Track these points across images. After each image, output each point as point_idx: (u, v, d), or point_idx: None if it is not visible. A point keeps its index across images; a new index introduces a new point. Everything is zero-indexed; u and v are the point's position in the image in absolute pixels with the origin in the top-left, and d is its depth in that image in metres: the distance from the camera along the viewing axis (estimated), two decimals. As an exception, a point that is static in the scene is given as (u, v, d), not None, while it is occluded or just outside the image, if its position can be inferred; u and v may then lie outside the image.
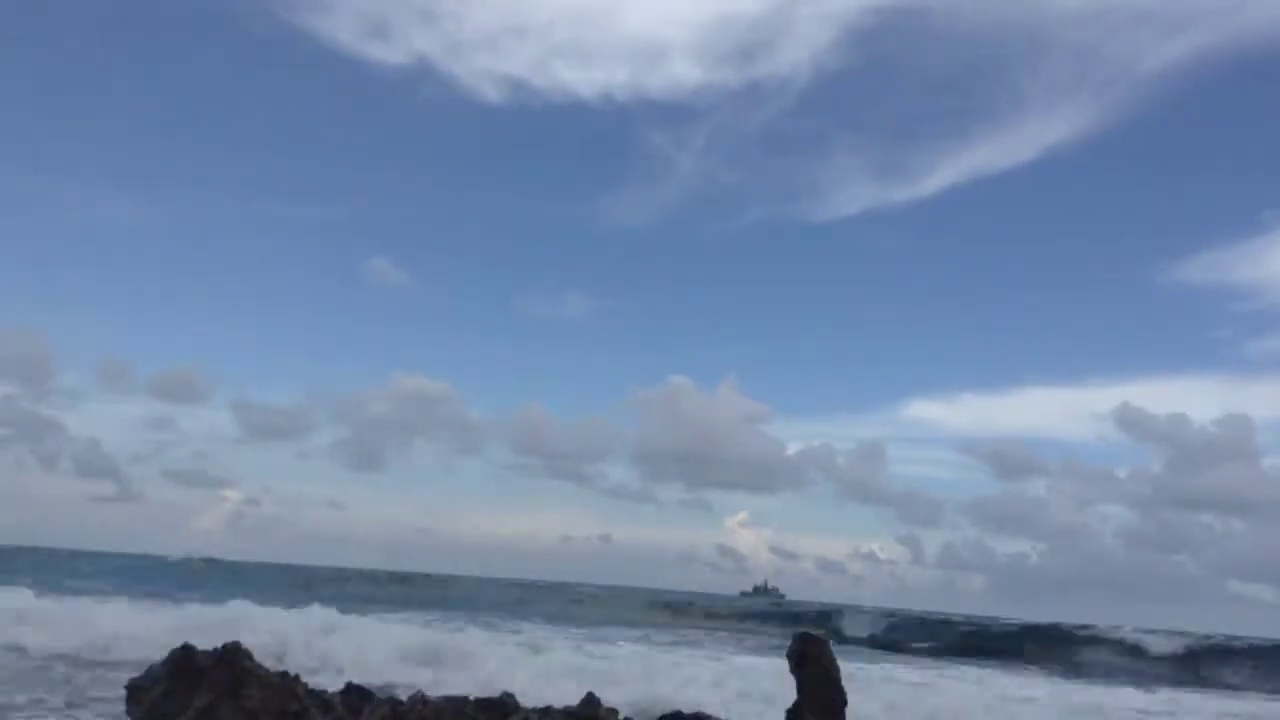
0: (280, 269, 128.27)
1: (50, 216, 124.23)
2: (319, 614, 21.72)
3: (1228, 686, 34.85)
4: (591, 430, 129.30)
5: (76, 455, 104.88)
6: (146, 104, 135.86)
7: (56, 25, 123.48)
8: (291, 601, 26.32)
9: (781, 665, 9.39)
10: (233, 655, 9.11)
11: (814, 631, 9.65)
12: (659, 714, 9.96)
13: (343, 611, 22.85)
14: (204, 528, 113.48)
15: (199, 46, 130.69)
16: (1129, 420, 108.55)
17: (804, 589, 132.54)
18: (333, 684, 10.22)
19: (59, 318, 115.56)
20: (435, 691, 10.09)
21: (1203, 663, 40.08)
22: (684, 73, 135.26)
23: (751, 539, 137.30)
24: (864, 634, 46.93)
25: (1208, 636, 45.66)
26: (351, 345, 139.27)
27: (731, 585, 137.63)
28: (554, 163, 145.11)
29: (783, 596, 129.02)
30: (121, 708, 9.45)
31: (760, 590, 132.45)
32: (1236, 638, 46.11)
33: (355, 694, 9.68)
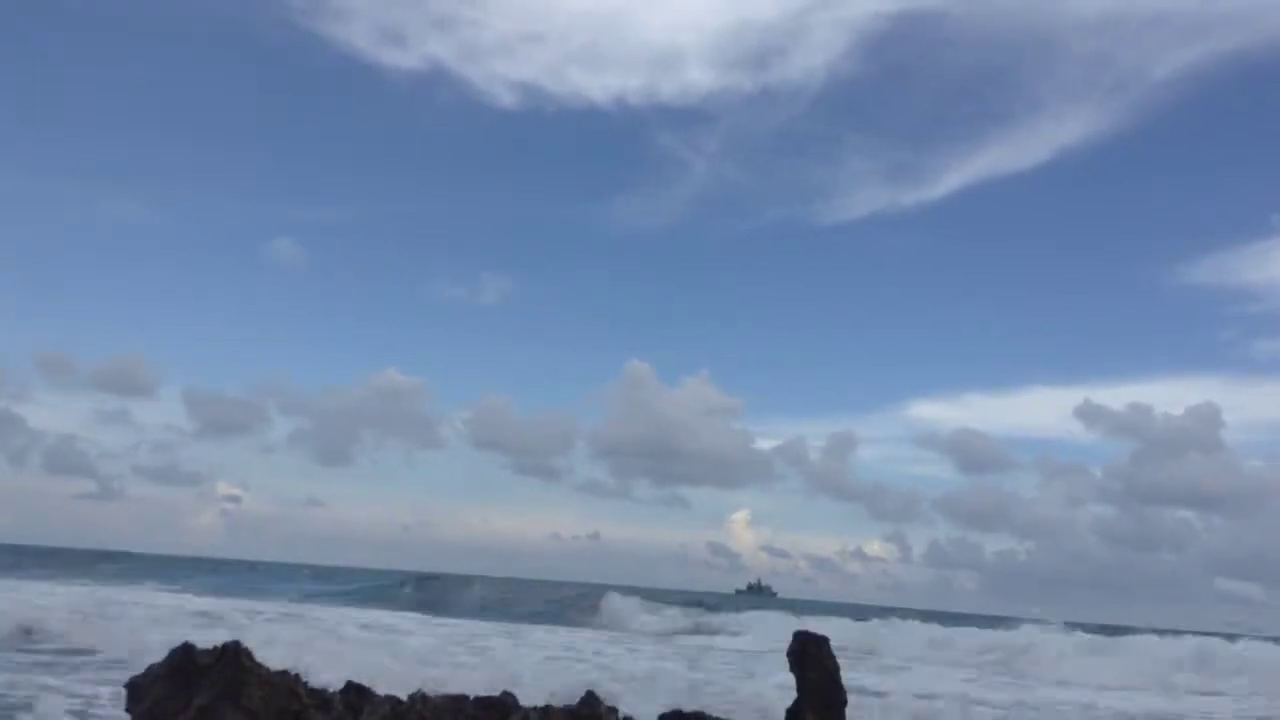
0: (268, 267, 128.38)
1: (46, 216, 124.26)
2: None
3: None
4: (583, 428, 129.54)
5: (46, 450, 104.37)
6: (147, 104, 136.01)
7: (70, 31, 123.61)
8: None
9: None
10: (233, 654, 9.09)
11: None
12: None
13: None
14: (196, 527, 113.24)
15: (213, 51, 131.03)
16: (1122, 419, 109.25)
17: (798, 587, 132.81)
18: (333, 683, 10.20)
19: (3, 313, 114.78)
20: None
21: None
22: (698, 78, 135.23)
23: (744, 537, 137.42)
24: None
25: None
26: (333, 341, 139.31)
27: (726, 583, 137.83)
28: (566, 166, 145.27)
29: (775, 595, 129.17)
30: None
31: (754, 589, 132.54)
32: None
33: (355, 693, 9.67)
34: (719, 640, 38.39)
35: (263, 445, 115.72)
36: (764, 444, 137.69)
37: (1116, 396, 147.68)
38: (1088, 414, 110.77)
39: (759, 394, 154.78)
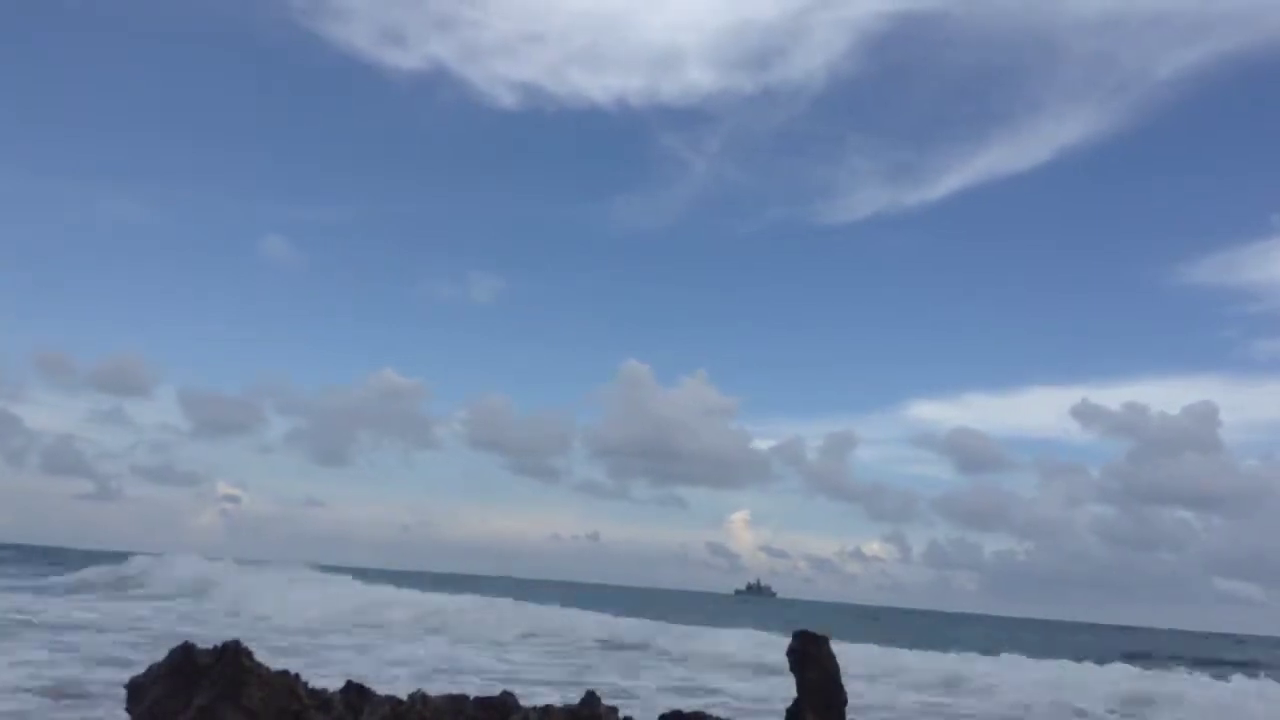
0: (267, 267, 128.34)
1: (47, 216, 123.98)
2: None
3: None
4: (581, 428, 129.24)
5: (43, 450, 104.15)
6: (147, 104, 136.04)
7: (70, 31, 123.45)
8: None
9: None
10: (233, 654, 9.08)
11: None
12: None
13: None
14: (196, 527, 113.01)
15: (213, 51, 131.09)
16: (1120, 419, 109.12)
17: (797, 588, 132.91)
18: (334, 683, 10.19)
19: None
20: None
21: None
22: (699, 78, 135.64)
23: (743, 537, 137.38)
24: None
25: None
26: (332, 342, 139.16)
27: (726, 584, 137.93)
28: (567, 167, 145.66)
29: (774, 595, 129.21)
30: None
31: (754, 589, 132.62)
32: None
33: (355, 693, 9.66)
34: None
35: (261, 445, 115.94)
36: (762, 444, 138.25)
37: (1116, 396, 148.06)
38: (1084, 414, 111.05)
39: (757, 394, 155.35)
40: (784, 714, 9.07)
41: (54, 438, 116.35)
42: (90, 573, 44.06)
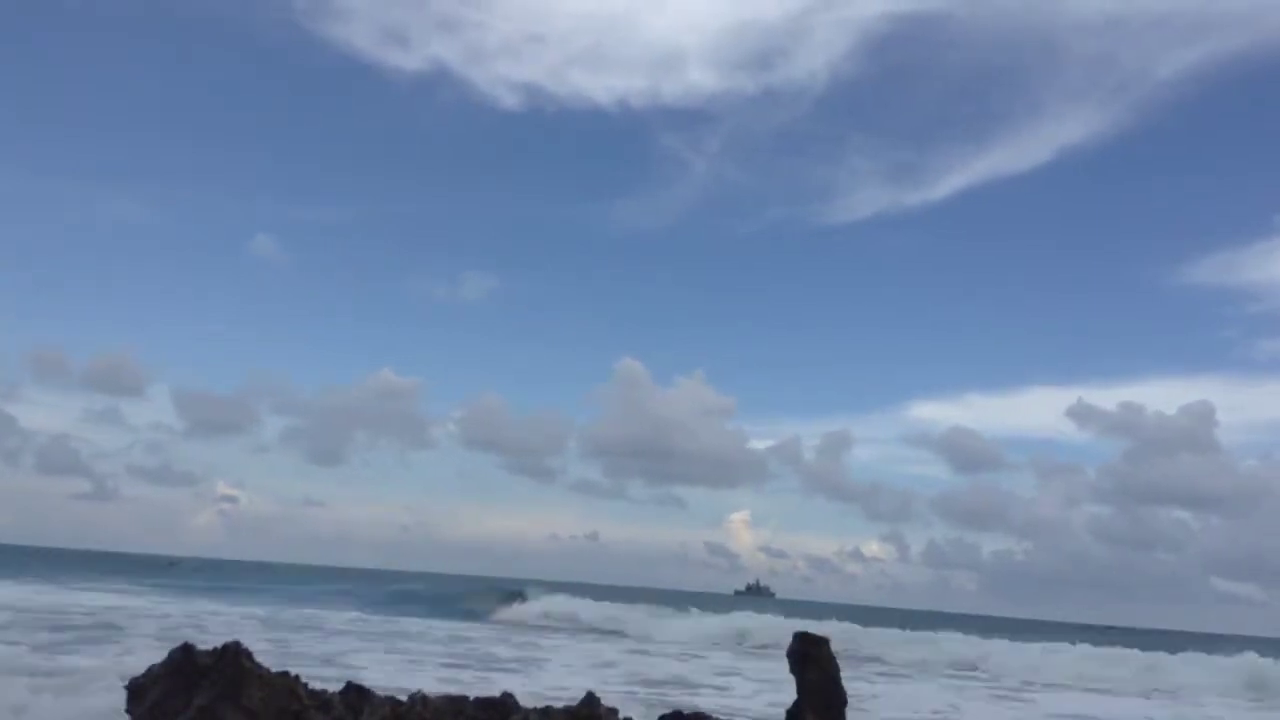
0: (267, 267, 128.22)
1: (48, 216, 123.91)
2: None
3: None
4: (578, 428, 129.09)
5: (39, 450, 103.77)
6: (147, 104, 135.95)
7: (70, 31, 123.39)
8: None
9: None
10: (233, 654, 9.08)
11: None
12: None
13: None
14: (194, 527, 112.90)
15: (213, 51, 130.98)
16: (1117, 419, 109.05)
17: (796, 588, 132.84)
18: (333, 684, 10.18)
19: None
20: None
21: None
22: (701, 79, 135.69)
23: (743, 537, 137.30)
24: None
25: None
26: (329, 341, 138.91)
27: (725, 584, 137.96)
28: (568, 167, 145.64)
29: (774, 595, 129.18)
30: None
31: (753, 589, 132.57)
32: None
33: (355, 694, 9.65)
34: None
35: (258, 445, 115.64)
36: (759, 444, 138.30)
37: (1116, 396, 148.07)
38: (1080, 414, 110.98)
39: (755, 394, 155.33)
40: (784, 715, 9.07)
41: (49, 437, 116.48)
42: None
